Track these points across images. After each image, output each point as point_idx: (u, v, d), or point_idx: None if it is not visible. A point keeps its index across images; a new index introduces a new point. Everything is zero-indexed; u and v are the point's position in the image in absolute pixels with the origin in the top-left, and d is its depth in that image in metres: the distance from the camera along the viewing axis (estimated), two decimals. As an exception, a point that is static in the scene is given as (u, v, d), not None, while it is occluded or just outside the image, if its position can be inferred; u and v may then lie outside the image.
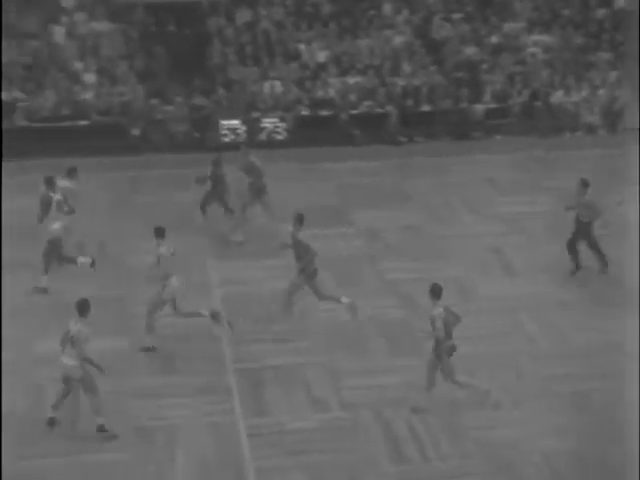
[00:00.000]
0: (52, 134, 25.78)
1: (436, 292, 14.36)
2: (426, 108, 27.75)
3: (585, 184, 18.77)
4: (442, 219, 21.90)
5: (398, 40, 29.12)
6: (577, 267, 19.02)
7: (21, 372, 15.48)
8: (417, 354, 15.67)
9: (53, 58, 27.82)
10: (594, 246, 18.86)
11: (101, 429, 13.95)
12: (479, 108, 27.57)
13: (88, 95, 26.91)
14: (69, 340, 13.65)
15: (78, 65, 27.74)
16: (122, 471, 13.28)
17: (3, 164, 23.84)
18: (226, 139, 26.27)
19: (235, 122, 26.45)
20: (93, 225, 20.86)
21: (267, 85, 27.61)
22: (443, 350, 14.21)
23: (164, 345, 16.29)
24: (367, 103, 27.51)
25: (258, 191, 20.88)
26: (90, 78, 27.41)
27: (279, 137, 26.53)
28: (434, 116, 27.58)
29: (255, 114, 26.90)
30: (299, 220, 17.06)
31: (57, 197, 18.48)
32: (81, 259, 18.77)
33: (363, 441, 14.03)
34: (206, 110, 26.95)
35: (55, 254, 18.45)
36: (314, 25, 29.40)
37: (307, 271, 16.83)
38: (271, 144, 26.16)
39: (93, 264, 18.73)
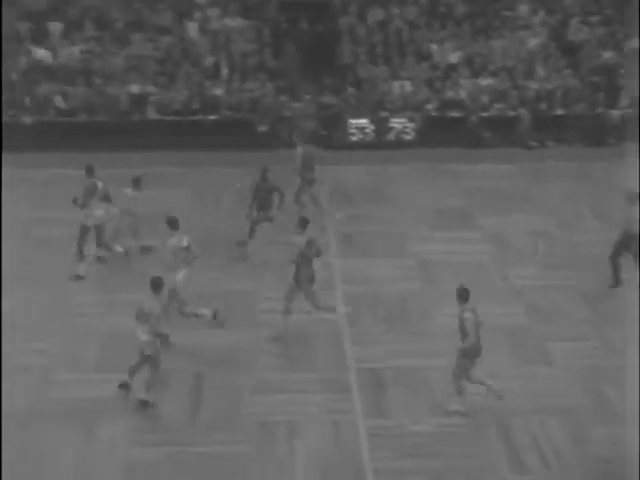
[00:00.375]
0: (182, 128, 26.07)
1: (463, 295, 14.07)
2: (559, 112, 27.11)
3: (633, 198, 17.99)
4: (572, 226, 21.29)
5: (533, 42, 28.55)
6: (617, 282, 18.25)
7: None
8: (542, 362, 15.21)
9: (186, 53, 28.12)
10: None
11: (144, 404, 14.38)
12: (615, 114, 26.77)
13: (219, 90, 27.11)
14: (143, 316, 14.05)
15: (210, 60, 27.99)
16: (242, 464, 13.22)
17: (135, 156, 24.20)
18: (354, 138, 26.17)
19: (363, 121, 26.28)
20: (218, 220, 21.04)
21: (397, 85, 27.37)
22: (471, 354, 14.05)
23: (287, 341, 16.22)
24: (498, 105, 27.03)
25: (308, 182, 21.02)
26: (221, 73, 27.60)
27: (407, 137, 26.25)
28: (567, 120, 26.90)
29: (384, 114, 26.68)
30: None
31: (101, 184, 18.84)
32: (118, 248, 19.23)
33: (483, 448, 13.67)
34: (335, 108, 26.86)
35: (98, 240, 19.02)
36: (447, 25, 29.07)
37: (304, 277, 16.26)
38: (399, 144, 25.94)
39: (127, 254, 19.17)
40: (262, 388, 14.95)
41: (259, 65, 27.88)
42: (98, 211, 18.87)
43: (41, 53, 28.02)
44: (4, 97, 26.53)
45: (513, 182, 23.83)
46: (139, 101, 26.73)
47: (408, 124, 26.29)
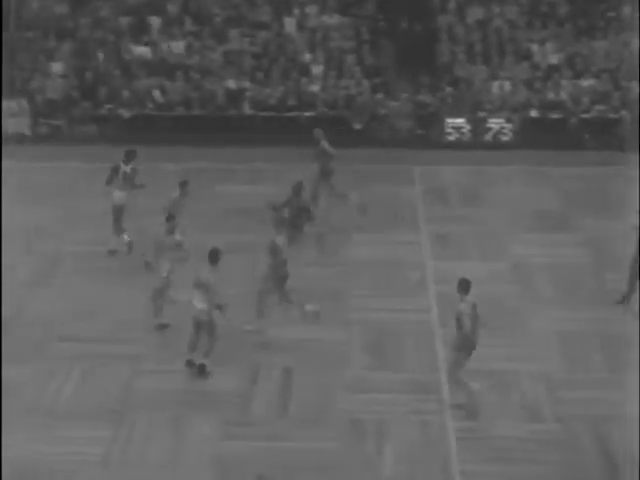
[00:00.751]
0: (277, 124, 26.11)
1: (464, 287, 13.91)
2: (662, 115, 26.44)
3: None
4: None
5: (636, 43, 27.85)
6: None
7: (233, 352, 15.62)
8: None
9: (282, 49, 28.16)
10: None
11: (202, 369, 14.91)
12: None
13: (315, 87, 27.07)
14: (201, 286, 14.59)
15: (307, 57, 27.97)
16: (330, 460, 13.11)
17: (230, 151, 24.33)
18: (450, 137, 25.92)
19: (460, 121, 26.00)
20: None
21: (496, 85, 27.01)
22: (466, 346, 13.89)
23: (378, 340, 16.09)
24: (599, 107, 26.46)
25: (326, 175, 20.89)
26: (318, 70, 27.58)
27: (505, 138, 25.88)
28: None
29: (481, 114, 26.35)
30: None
31: (129, 169, 19.09)
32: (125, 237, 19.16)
33: (575, 456, 13.30)
34: (431, 107, 26.62)
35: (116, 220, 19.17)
36: (548, 25, 28.57)
37: (277, 275, 16.08)
38: (496, 145, 25.61)
39: (130, 245, 19.03)
40: (352, 386, 14.82)
41: (356, 62, 27.76)
42: (118, 193, 19.08)
43: (141, 49, 28.36)
44: (103, 91, 26.90)
45: (612, 185, 23.31)
46: (235, 96, 26.85)
47: (506, 125, 25.93)
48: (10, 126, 26.65)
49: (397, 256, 18.95)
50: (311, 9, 29.25)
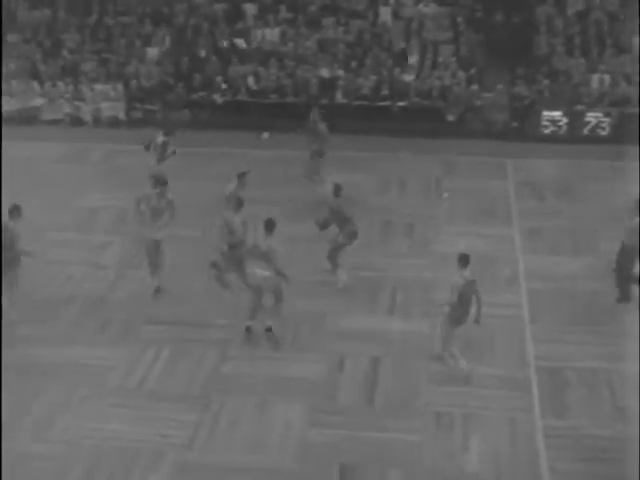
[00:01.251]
0: (370, 113, 25.95)
1: (463, 261, 14.17)
2: None
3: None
4: None
5: None
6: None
7: (322, 344, 15.58)
8: None
9: (377, 38, 27.98)
10: None
11: (269, 330, 15.58)
12: None
13: (409, 77, 26.84)
14: (261, 255, 15.14)
15: (401, 46, 27.74)
16: (414, 452, 12.97)
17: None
18: (546, 131, 25.45)
19: (557, 114, 25.49)
20: (402, 206, 20.87)
21: (595, 78, 26.42)
22: (452, 318, 14.22)
23: (466, 333, 15.83)
24: (700, 103, 25.73)
25: (316, 156, 21.26)
26: (412, 60, 27.33)
27: (602, 133, 25.31)
28: None
29: (579, 107, 25.81)
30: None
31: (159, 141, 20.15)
32: None
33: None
34: (527, 100, 26.16)
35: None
36: (649, 17, 27.86)
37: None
38: (593, 139, 25.05)
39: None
40: (439, 378, 14.62)
41: (451, 53, 27.45)
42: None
43: (237, 41, 28.50)
44: (198, 77, 27.07)
45: None
46: (328, 85, 26.76)
47: (604, 119, 25.35)
48: (105, 110, 27.02)
49: (488, 250, 18.67)
50: (407, -2, 29.07)
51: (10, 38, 29.37)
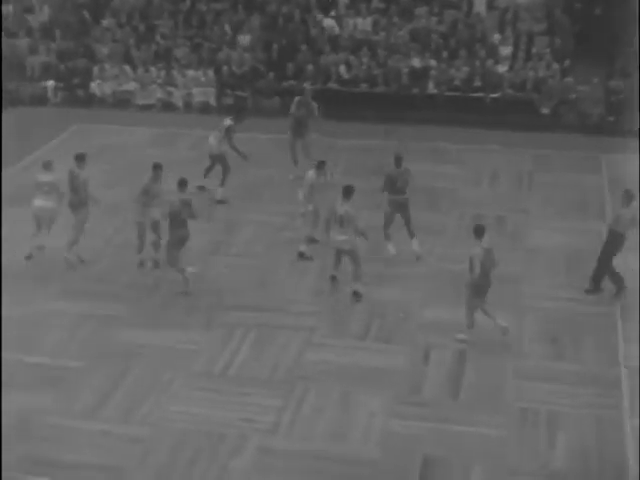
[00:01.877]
0: (461, 104, 25.67)
1: (478, 231, 14.73)
2: None
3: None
4: None
5: None
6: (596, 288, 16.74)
7: (407, 335, 15.44)
8: None
9: (471, 29, 27.63)
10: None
11: (357, 294, 16.33)
12: None
13: (502, 68, 26.46)
14: (338, 220, 16.06)
15: (495, 37, 27.36)
16: (498, 447, 12.78)
17: (412, 129, 24.11)
18: (641, 125, 24.83)
19: (653, 108, 24.88)
20: (493, 199, 20.62)
21: (694, 72, 25.73)
22: (477, 289, 14.76)
23: (554, 329, 15.58)
24: None
25: (302, 133, 21.73)
26: (506, 51, 26.93)
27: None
28: None
29: (676, 102, 25.16)
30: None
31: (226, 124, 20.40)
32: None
33: None
34: (623, 94, 25.58)
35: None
36: None
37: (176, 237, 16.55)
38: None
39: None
40: (525, 374, 14.38)
41: (545, 44, 26.97)
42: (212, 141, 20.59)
43: (328, 22, 28.38)
44: (289, 65, 27.05)
45: None
46: (420, 75, 26.50)
47: (700, 114, 24.64)
48: (196, 95, 27.18)
49: (580, 245, 18.33)
50: (502, -12, 28.64)
51: (105, 23, 29.77)
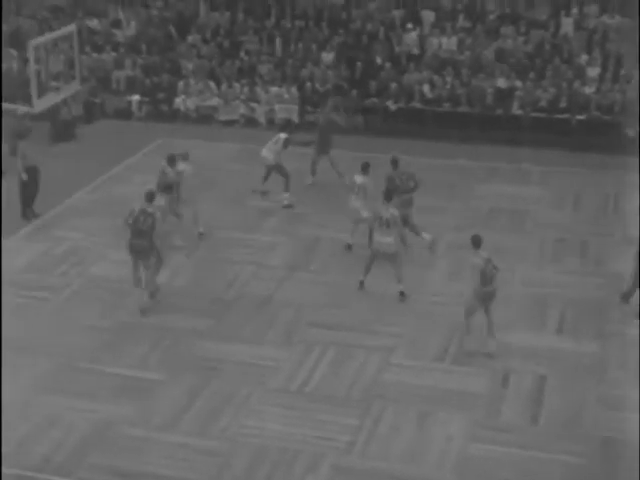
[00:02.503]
0: (546, 125, 25.37)
1: (476, 242, 15.02)
2: None
3: None
4: None
5: None
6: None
7: (487, 358, 15.24)
8: None
9: (558, 49, 27.32)
10: None
11: (403, 294, 16.90)
12: None
13: (589, 90, 26.09)
14: (384, 223, 16.52)
15: (583, 58, 27.01)
16: (578, 476, 12.52)
17: (495, 150, 23.91)
18: None
19: None
20: (577, 223, 20.31)
21: None
22: (480, 297, 14.98)
23: (637, 357, 15.21)
24: None
25: (326, 147, 21.83)
26: (593, 72, 26.55)
27: None
28: None
29: None
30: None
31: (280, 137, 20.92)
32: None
33: None
34: None
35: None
36: None
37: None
38: None
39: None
40: (607, 402, 14.06)
41: (634, 66, 26.52)
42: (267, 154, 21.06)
43: (410, 37, 28.32)
44: (372, 83, 26.99)
45: None
46: (505, 95, 26.28)
47: None
48: (279, 112, 27.28)
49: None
50: (591, 9, 28.23)
51: (190, 38, 30.09)
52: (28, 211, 20.40)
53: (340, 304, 16.90)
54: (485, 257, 14.96)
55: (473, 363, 15.06)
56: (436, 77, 26.92)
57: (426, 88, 26.64)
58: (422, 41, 28.50)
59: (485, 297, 15.06)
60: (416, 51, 28.26)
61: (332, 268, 18.25)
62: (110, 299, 17.01)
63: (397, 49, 28.34)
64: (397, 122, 26.24)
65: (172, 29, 30.86)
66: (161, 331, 15.92)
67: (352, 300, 17.05)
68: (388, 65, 27.51)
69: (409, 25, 28.64)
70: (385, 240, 16.67)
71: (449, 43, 28.14)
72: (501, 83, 26.50)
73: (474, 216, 20.47)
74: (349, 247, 18.90)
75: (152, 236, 16.06)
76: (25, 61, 26.25)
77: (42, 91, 22.74)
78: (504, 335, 15.70)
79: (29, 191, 20.41)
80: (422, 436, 13.29)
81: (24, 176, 20.13)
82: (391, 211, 16.68)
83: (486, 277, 14.89)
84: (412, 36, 28.40)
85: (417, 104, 26.58)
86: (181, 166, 18.71)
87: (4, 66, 29.25)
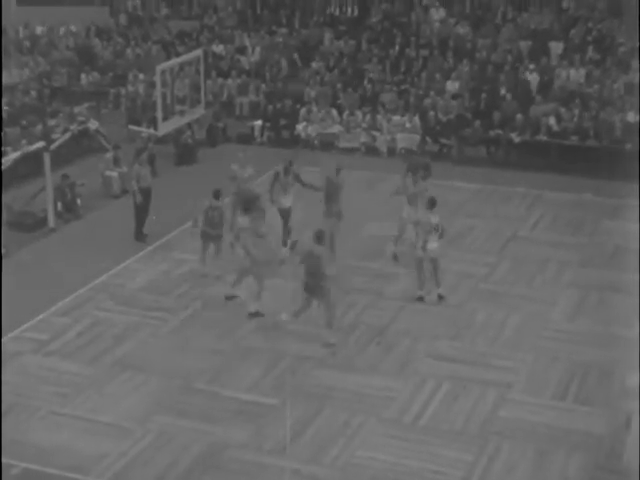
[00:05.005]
0: None
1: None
2: None
3: None
4: None
5: None
6: None
7: (609, 398, 14.72)
8: None
9: None
10: None
11: (441, 296, 17.68)
12: None
13: None
14: (435, 228, 17.22)
15: None
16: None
17: (623, 185, 23.23)
18: None
19: None
20: None
21: None
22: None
23: None
24: None
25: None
26: None
27: None
28: None
29: None
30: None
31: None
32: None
33: None
34: None
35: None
36: None
37: None
38: None
39: None
40: None
41: None
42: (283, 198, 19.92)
43: (532, 77, 27.90)
44: (497, 116, 26.62)
45: None
46: (634, 129, 25.57)
47: None
48: (399, 141, 27.11)
49: None
50: None
51: (314, 65, 30.25)
52: (140, 233, 20.65)
53: (456, 336, 16.59)
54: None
55: (594, 403, 14.57)
56: (563, 110, 26.37)
57: (552, 121, 26.10)
58: (549, 72, 28.01)
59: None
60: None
61: (451, 300, 17.92)
62: (227, 321, 17.04)
63: (523, 80, 27.93)
64: (521, 154, 25.81)
65: (296, 56, 31.08)
66: (277, 356, 15.85)
67: (469, 333, 16.72)
68: (513, 96, 27.13)
69: (531, 66, 28.21)
70: (435, 245, 17.39)
71: (577, 75, 27.62)
72: (630, 117, 25.82)
73: (599, 253, 19.93)
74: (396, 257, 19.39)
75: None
76: (152, 85, 26.72)
77: (167, 115, 23.02)
78: (628, 377, 15.18)
79: (141, 213, 20.66)
80: (539, 476, 12.88)
81: (138, 198, 20.37)
82: (437, 218, 17.43)
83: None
84: (534, 76, 28.01)
85: (543, 137, 26.05)
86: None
87: (130, 89, 30.01)
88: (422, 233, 17.50)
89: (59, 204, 21.83)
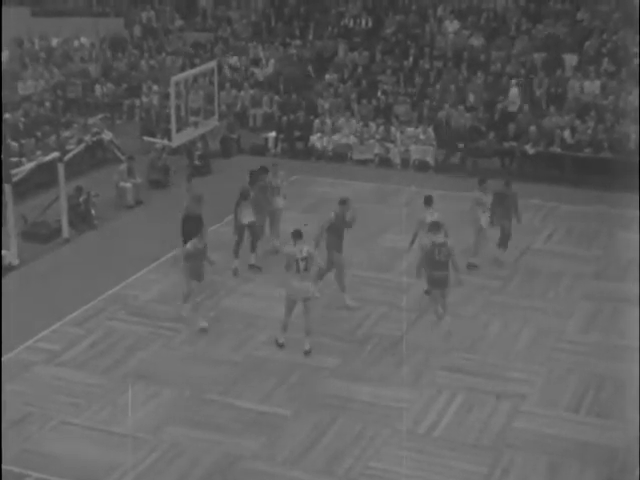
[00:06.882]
0: None
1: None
2: None
3: None
4: None
5: None
6: None
7: (623, 410, 14.63)
8: None
9: None
10: None
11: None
12: None
13: None
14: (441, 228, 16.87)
15: None
16: None
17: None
18: None
19: None
20: None
21: None
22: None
23: None
24: None
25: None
26: None
27: None
28: None
29: None
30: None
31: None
32: None
33: None
34: None
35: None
36: None
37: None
38: None
39: None
40: None
41: None
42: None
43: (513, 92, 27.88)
44: (513, 127, 26.56)
45: None
46: (647, 142, 25.55)
47: None
48: (414, 153, 27.09)
49: None
50: None
51: (328, 77, 30.28)
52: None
53: (470, 347, 16.54)
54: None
55: (609, 415, 14.49)
56: (578, 122, 26.30)
57: (566, 133, 26.02)
58: (564, 84, 27.97)
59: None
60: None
61: (464, 312, 17.87)
62: (241, 332, 17.03)
63: (538, 92, 27.88)
64: (534, 166, 25.76)
65: (310, 68, 31.11)
66: (290, 367, 15.83)
67: (483, 345, 16.67)
68: (528, 107, 27.09)
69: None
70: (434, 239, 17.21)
71: (592, 87, 27.55)
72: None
73: (613, 265, 19.86)
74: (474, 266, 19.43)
75: None
76: (166, 96, 26.78)
77: (181, 126, 23.07)
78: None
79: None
80: (554, 488, 12.84)
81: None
82: (435, 215, 17.76)
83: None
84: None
85: (557, 149, 25.98)
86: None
87: (144, 100, 30.11)
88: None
89: (73, 215, 21.88)
